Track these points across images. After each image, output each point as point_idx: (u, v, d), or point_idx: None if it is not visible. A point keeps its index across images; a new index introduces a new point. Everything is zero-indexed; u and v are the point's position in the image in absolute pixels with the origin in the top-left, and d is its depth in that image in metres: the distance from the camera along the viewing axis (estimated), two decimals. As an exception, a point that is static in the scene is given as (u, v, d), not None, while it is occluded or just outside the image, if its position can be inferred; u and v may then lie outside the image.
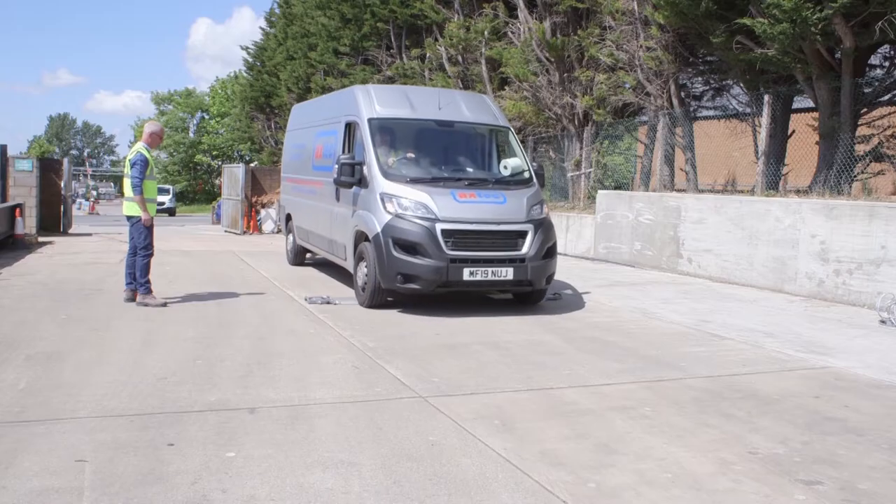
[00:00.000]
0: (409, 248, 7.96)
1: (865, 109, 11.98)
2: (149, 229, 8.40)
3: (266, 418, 4.61)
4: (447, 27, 20.00)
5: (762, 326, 8.12)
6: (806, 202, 10.32)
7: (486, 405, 5.03)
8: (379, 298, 8.36)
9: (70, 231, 19.18)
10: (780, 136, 13.07)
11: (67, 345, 6.35)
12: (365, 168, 8.65)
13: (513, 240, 8.27)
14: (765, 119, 12.17)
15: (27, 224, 15.66)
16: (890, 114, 12.24)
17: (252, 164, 34.38)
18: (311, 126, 11.59)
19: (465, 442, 4.32)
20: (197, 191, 62.27)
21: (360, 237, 8.70)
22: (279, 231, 20.84)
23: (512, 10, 18.59)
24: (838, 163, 11.11)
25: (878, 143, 12.07)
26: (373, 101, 9.20)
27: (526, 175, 9.14)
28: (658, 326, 8.03)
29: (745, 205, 11.27)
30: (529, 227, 8.35)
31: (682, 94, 15.34)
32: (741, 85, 13.99)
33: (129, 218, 8.44)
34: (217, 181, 54.03)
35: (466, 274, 7.96)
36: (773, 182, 12.26)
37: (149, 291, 8.38)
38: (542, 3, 17.04)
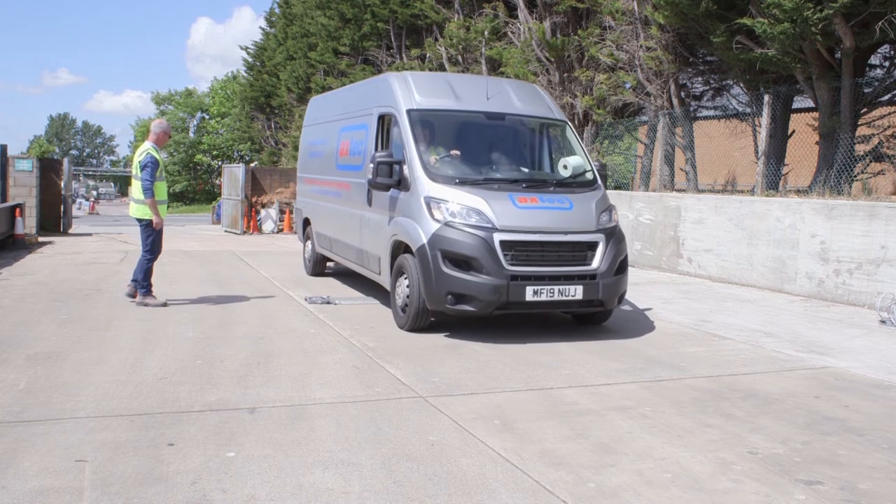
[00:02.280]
0: (462, 262, 6.83)
1: (865, 109, 11.98)
2: (158, 232, 8.33)
3: (266, 418, 4.61)
4: (447, 27, 20.01)
5: (762, 326, 8.12)
6: (806, 202, 10.32)
7: (486, 405, 5.03)
8: (423, 321, 7.25)
9: (70, 231, 19.19)
10: (780, 136, 13.07)
11: (67, 345, 6.35)
12: (405, 167, 7.50)
13: (582, 252, 7.17)
14: (765, 119, 12.17)
15: (27, 224, 15.66)
16: (890, 114, 12.25)
17: (252, 164, 34.42)
18: (334, 120, 10.39)
19: (465, 442, 4.32)
20: (197, 191, 62.26)
21: (399, 248, 7.62)
22: (279, 231, 20.86)
23: (512, 10, 18.60)
24: (838, 163, 11.11)
25: (878, 143, 12.08)
26: (411, 91, 8.04)
27: (589, 176, 7.97)
28: (658, 326, 8.02)
29: (745, 205, 11.27)
30: (600, 238, 7.25)
31: (682, 94, 15.34)
32: (741, 85, 14.00)
33: (138, 220, 8.34)
34: (217, 181, 54.05)
35: (530, 293, 6.82)
36: (773, 182, 12.27)
37: (148, 293, 8.37)
38: (542, 3, 17.04)
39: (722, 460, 4.17)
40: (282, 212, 21.26)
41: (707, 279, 11.80)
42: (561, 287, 6.96)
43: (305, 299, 8.93)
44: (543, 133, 8.67)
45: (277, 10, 35.36)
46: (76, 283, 9.82)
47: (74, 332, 6.88)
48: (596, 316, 7.81)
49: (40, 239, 16.21)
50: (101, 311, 7.96)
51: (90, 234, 18.85)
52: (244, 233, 20.52)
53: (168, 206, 8.89)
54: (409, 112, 7.81)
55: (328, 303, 8.77)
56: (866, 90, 11.64)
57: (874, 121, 12.33)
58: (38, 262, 12.22)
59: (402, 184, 7.53)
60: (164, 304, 8.33)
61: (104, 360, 5.89)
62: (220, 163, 55.36)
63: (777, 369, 6.33)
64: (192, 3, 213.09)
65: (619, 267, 7.36)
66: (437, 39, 20.92)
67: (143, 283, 8.34)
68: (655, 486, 3.78)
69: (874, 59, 12.76)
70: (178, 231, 21.57)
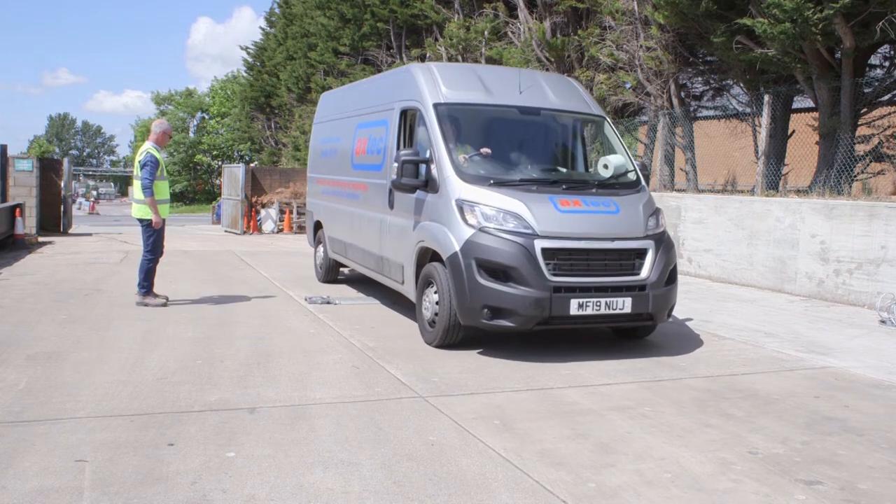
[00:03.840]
0: (500, 272, 6.20)
1: (865, 109, 11.98)
2: (158, 232, 8.31)
3: (266, 418, 4.61)
4: (447, 27, 20.02)
5: (762, 326, 8.12)
6: (806, 202, 10.33)
7: (486, 405, 5.03)
8: (454, 337, 6.61)
9: (70, 231, 19.20)
10: (780, 136, 13.07)
11: (67, 345, 6.35)
12: (433, 167, 6.90)
13: (629, 261, 6.56)
14: (765, 119, 12.17)
15: (27, 224, 15.67)
16: (890, 114, 12.25)
17: (252, 164, 34.42)
18: (350, 116, 9.71)
19: (465, 442, 4.32)
20: (197, 191, 62.28)
21: (426, 256, 7.02)
22: (279, 231, 20.85)
23: (512, 10, 18.60)
24: (838, 163, 11.11)
25: (878, 143, 12.08)
26: (437, 83, 7.40)
27: (632, 176, 7.37)
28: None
29: (745, 205, 11.27)
30: (649, 245, 6.64)
31: (682, 94, 15.35)
32: (741, 85, 14.00)
33: (140, 220, 8.33)
34: (217, 181, 54.06)
35: (574, 307, 6.21)
36: (773, 182, 12.27)
37: (148, 293, 8.36)
38: (542, 3, 17.04)
39: (722, 460, 4.17)
40: (282, 212, 21.26)
41: (707, 279, 11.80)
42: (608, 299, 6.34)
43: (305, 299, 8.93)
44: (581, 129, 8.08)
45: (277, 10, 35.37)
46: (76, 283, 9.81)
47: (74, 332, 6.88)
48: (639, 330, 7.18)
49: (40, 239, 16.22)
50: (101, 311, 7.96)
51: (90, 234, 18.85)
52: (244, 233, 20.52)
53: (170, 206, 8.84)
54: (435, 106, 7.17)
55: (328, 303, 8.77)
56: (866, 90, 11.64)
57: (874, 121, 12.33)
58: (38, 262, 12.22)
59: (429, 185, 6.93)
60: (164, 304, 8.34)
61: (104, 360, 5.89)
62: (220, 163, 55.36)
63: (777, 369, 6.33)
64: (192, 3, 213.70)
65: (670, 277, 6.77)
66: (437, 39, 20.92)
67: (143, 283, 8.33)
68: (655, 486, 3.78)
69: (874, 59, 12.75)
70: (178, 231, 21.58)
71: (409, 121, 7.78)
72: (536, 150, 7.73)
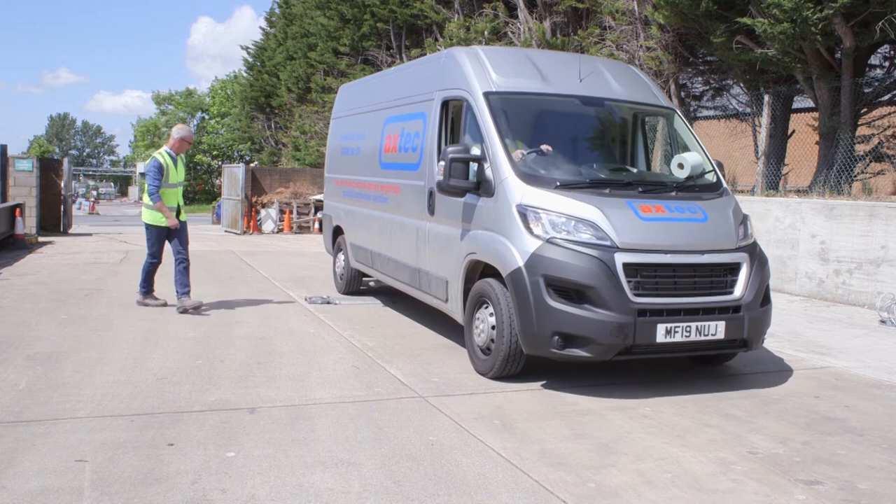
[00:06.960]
0: (574, 292, 5.25)
1: (865, 109, 11.99)
2: (157, 236, 8.13)
3: (266, 418, 4.61)
4: (447, 27, 20.01)
5: (762, 326, 8.12)
6: (806, 202, 10.33)
7: (486, 405, 5.03)
8: (514, 367, 5.64)
9: (70, 231, 19.19)
10: (780, 136, 13.08)
11: (67, 345, 6.35)
12: (487, 166, 5.93)
13: (721, 277, 5.62)
14: (765, 119, 12.17)
15: (27, 224, 15.67)
16: (890, 114, 12.25)
17: (252, 164, 34.42)
18: (376, 109, 8.65)
19: (465, 442, 4.32)
20: (197, 191, 62.30)
21: (477, 270, 6.10)
22: (279, 231, 20.85)
23: (512, 10, 18.61)
24: (838, 163, 11.11)
25: (878, 143, 12.09)
26: (487, 69, 6.44)
27: (711, 177, 6.40)
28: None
29: (745, 205, 11.22)
30: (743, 258, 5.72)
31: (682, 94, 15.35)
32: (741, 85, 14.01)
33: (145, 224, 8.17)
34: (217, 181, 54.06)
35: (661, 333, 5.28)
36: (773, 182, 12.27)
37: (148, 293, 8.35)
38: (542, 3, 17.05)
39: (722, 460, 4.17)
40: (282, 212, 21.27)
41: (707, 279, 11.78)
42: (699, 323, 5.40)
43: (305, 299, 8.93)
44: (649, 123, 7.24)
45: (277, 10, 35.37)
46: (76, 283, 9.81)
47: (74, 332, 6.89)
48: (718, 356, 6.31)
49: (40, 239, 16.22)
50: (101, 311, 7.96)
51: (90, 234, 18.84)
52: (244, 233, 20.52)
53: (178, 214, 8.19)
54: (486, 96, 6.22)
55: (328, 303, 8.77)
56: (866, 90, 11.65)
57: (874, 121, 12.34)
58: (38, 262, 12.22)
59: (481, 187, 5.97)
60: (164, 304, 8.33)
61: (104, 360, 5.89)
62: (220, 163, 55.35)
63: (777, 369, 6.33)
64: (193, 3, 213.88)
65: (765, 296, 5.87)
66: (437, 39, 20.92)
67: (143, 284, 8.33)
68: (655, 486, 3.79)
69: (874, 59, 12.76)
70: (178, 231, 21.54)
71: (453, 113, 6.88)
72: (602, 147, 6.92)
